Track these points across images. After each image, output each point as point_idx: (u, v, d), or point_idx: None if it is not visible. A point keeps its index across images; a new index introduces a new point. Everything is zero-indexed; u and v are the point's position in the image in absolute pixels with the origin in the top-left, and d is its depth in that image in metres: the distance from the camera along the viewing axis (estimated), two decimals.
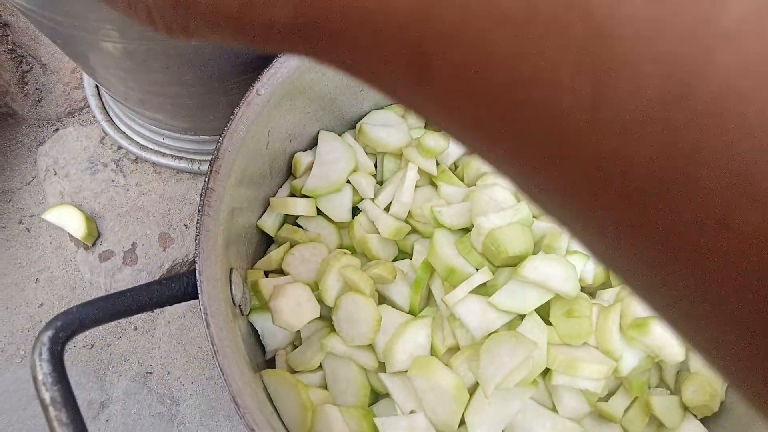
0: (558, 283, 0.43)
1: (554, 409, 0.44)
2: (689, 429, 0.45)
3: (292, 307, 0.45)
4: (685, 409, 0.46)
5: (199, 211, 0.38)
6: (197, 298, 0.36)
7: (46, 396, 0.31)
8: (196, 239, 0.38)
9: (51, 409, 0.31)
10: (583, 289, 0.46)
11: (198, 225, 0.38)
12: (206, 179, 0.39)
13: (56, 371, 0.31)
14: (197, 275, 0.37)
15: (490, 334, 0.43)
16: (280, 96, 0.45)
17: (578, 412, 0.44)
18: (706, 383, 0.45)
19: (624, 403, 0.45)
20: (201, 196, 0.39)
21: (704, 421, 0.46)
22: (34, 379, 0.31)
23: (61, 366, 0.32)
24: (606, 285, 0.49)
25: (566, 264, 0.44)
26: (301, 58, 0.46)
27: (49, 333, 0.32)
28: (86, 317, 0.34)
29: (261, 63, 0.44)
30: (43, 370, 0.31)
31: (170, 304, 0.36)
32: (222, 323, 0.37)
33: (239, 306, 0.43)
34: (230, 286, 0.41)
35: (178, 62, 0.42)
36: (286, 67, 0.44)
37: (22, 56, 0.65)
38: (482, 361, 0.41)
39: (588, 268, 0.48)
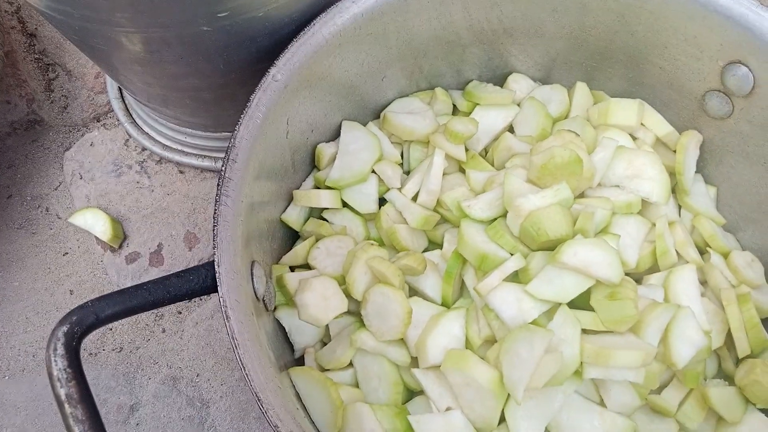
0: (600, 269, 0.40)
1: (602, 403, 0.41)
2: (752, 423, 0.41)
3: (319, 302, 0.43)
4: (747, 401, 0.42)
5: (216, 201, 0.37)
6: (216, 291, 0.35)
7: (62, 392, 0.29)
8: (213, 230, 0.36)
9: (66, 405, 0.29)
10: (626, 275, 0.43)
11: (215, 215, 0.37)
12: (222, 168, 0.38)
13: (72, 367, 0.30)
14: (216, 267, 0.35)
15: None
16: (298, 82, 0.43)
17: (628, 406, 0.40)
18: None
19: (678, 396, 0.42)
20: (218, 186, 0.37)
21: None
22: (50, 375, 0.30)
23: (77, 361, 0.31)
24: (653, 269, 0.46)
25: (608, 248, 0.41)
26: (319, 43, 0.45)
27: (64, 328, 0.31)
28: (102, 312, 0.32)
29: (277, 51, 0.42)
30: (58, 366, 0.30)
31: (189, 298, 0.35)
32: (242, 317, 0.35)
33: (263, 300, 0.41)
34: (252, 279, 0.39)
35: (192, 51, 0.41)
36: (303, 51, 0.42)
37: (49, 64, 0.66)
38: (504, 367, 0.38)
39: (630, 251, 0.45)
